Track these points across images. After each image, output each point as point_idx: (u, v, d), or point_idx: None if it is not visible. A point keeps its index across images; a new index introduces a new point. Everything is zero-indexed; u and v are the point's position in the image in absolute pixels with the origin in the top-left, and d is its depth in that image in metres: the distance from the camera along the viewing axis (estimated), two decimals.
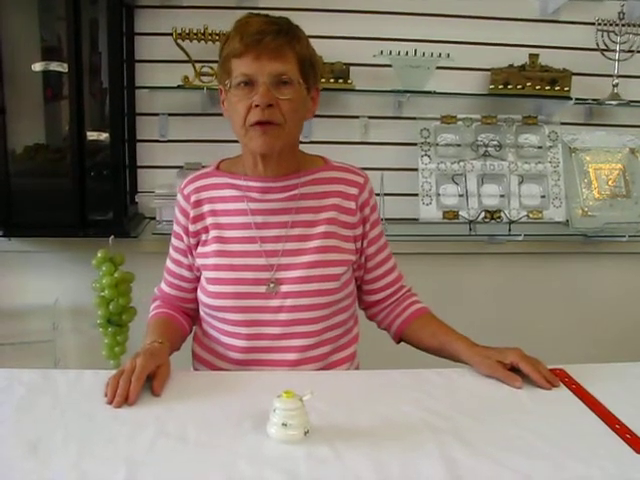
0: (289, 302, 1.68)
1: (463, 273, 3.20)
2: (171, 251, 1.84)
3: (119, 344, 2.70)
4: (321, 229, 1.72)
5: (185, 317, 1.85)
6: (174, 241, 1.82)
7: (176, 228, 1.81)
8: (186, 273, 1.81)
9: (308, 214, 1.72)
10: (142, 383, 1.43)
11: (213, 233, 1.73)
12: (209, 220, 1.74)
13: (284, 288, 1.68)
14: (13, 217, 2.78)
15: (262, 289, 1.68)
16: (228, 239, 1.72)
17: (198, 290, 1.79)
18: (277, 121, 1.60)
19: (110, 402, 1.39)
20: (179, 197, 1.79)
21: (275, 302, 1.68)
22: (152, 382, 1.46)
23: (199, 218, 1.75)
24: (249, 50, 1.57)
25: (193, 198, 1.75)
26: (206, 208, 1.75)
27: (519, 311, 3.20)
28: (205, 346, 1.80)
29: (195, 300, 1.82)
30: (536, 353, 1.61)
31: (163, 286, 1.87)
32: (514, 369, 1.58)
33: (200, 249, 1.76)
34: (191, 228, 1.76)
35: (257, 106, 1.58)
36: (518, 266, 3.21)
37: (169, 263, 1.85)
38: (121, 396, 1.39)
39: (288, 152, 1.70)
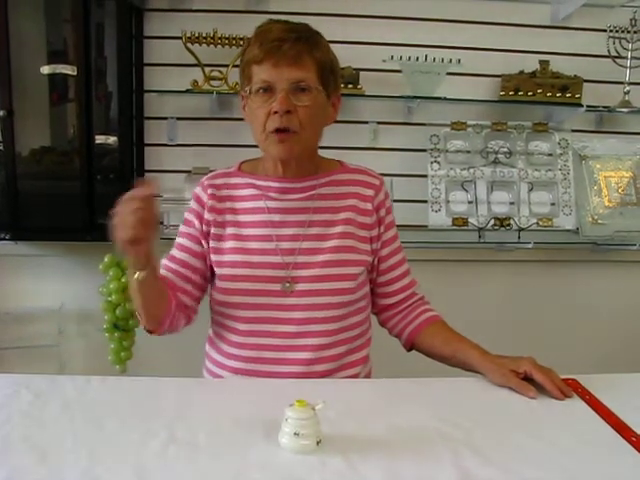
0: (304, 300, 1.69)
1: (472, 280, 3.18)
2: (178, 240, 1.79)
3: (125, 349, 2.67)
4: (339, 229, 1.74)
5: (177, 300, 1.74)
6: (184, 229, 1.79)
7: (188, 216, 1.80)
8: (193, 261, 1.76)
9: (326, 214, 1.74)
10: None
11: (231, 230, 1.74)
12: (228, 217, 1.75)
13: (300, 286, 1.70)
14: (20, 221, 2.77)
15: (277, 287, 1.69)
16: (246, 237, 1.73)
17: (213, 291, 1.78)
18: (294, 128, 1.62)
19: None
20: (198, 189, 1.81)
21: (290, 300, 1.69)
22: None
23: (214, 210, 1.75)
24: (268, 57, 1.60)
25: (210, 190, 1.77)
26: (225, 205, 1.76)
27: (528, 319, 3.18)
28: (217, 347, 1.80)
29: (188, 294, 1.76)
30: (545, 362, 1.60)
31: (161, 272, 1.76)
32: (527, 378, 1.56)
33: (215, 244, 1.75)
34: (206, 216, 1.76)
35: (275, 113, 1.60)
36: (527, 274, 3.20)
37: (174, 251, 1.79)
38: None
39: (307, 157, 1.73)
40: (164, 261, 1.79)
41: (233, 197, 1.77)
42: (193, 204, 1.80)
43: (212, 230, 1.75)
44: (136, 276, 1.53)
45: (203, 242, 1.77)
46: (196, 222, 1.77)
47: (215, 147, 3.02)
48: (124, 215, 1.40)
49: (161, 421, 1.34)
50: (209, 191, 1.77)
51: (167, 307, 1.68)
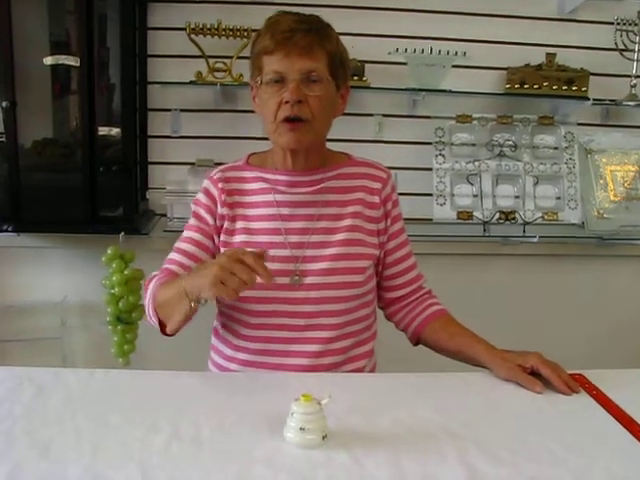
0: (313, 294, 1.69)
1: (477, 274, 3.18)
2: (187, 233, 1.77)
3: (128, 342, 2.67)
4: (347, 222, 1.74)
5: None
6: (194, 222, 1.78)
7: (198, 210, 1.78)
8: (204, 256, 1.74)
9: (334, 207, 1.74)
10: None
11: (240, 224, 1.74)
12: (238, 211, 1.75)
13: (308, 280, 1.69)
14: (22, 213, 2.77)
15: (286, 280, 1.69)
16: (255, 230, 1.73)
17: None
18: (306, 117, 1.62)
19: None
20: (206, 182, 1.79)
21: (299, 294, 1.69)
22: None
23: (226, 204, 1.75)
24: (279, 47, 1.60)
25: (221, 185, 1.76)
26: (235, 199, 1.76)
27: (533, 313, 3.17)
28: (224, 338, 1.79)
29: None
30: (550, 356, 1.59)
31: (168, 266, 1.75)
32: (533, 373, 1.55)
33: (226, 238, 1.74)
34: (219, 210, 1.75)
35: (287, 102, 1.60)
36: (532, 268, 3.20)
37: (182, 245, 1.76)
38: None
39: (316, 148, 1.73)
40: (172, 255, 1.77)
41: (242, 191, 1.76)
42: (203, 198, 1.78)
43: (225, 224, 1.75)
44: (193, 305, 1.49)
45: (215, 237, 1.76)
46: (208, 217, 1.76)
47: (219, 139, 3.01)
48: (238, 267, 1.39)
49: (165, 416, 1.33)
50: (220, 185, 1.76)
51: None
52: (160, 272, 1.74)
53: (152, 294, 1.65)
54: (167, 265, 1.75)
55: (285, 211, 1.73)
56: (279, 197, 1.73)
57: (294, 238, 1.71)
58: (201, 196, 1.79)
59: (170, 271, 1.73)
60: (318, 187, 1.74)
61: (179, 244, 1.78)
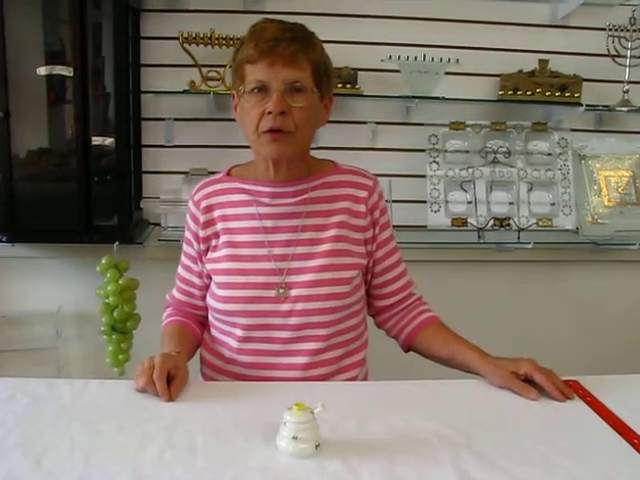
0: (299, 306, 1.67)
1: (471, 281, 3.17)
2: (182, 257, 1.85)
3: (123, 351, 2.67)
4: (331, 233, 1.72)
5: (197, 324, 1.85)
6: (185, 247, 1.84)
7: (187, 234, 1.82)
8: (196, 280, 1.82)
9: (318, 218, 1.72)
10: (164, 381, 1.46)
11: (224, 238, 1.73)
12: (220, 225, 1.74)
13: (294, 292, 1.68)
14: (16, 222, 2.76)
15: (272, 293, 1.68)
16: (238, 243, 1.72)
17: (207, 296, 1.79)
18: (289, 129, 1.60)
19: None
20: (190, 204, 1.80)
21: (285, 306, 1.68)
22: (170, 385, 1.46)
23: (210, 224, 1.75)
24: (263, 56, 1.58)
25: (203, 204, 1.76)
26: (217, 213, 1.75)
27: (528, 320, 3.17)
28: (214, 351, 1.79)
29: (205, 307, 1.82)
30: (545, 362, 1.59)
31: (174, 292, 1.88)
32: (527, 380, 1.55)
33: (210, 254, 1.76)
34: (201, 234, 1.76)
35: (270, 113, 1.58)
36: (527, 274, 3.19)
37: (180, 269, 1.86)
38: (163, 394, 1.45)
39: (298, 158, 1.70)
40: (179, 270, 1.87)
41: (223, 203, 1.76)
42: (190, 222, 1.80)
43: (211, 243, 1.76)
44: None
45: (199, 263, 1.80)
46: (194, 243, 1.79)
47: (213, 148, 3.00)
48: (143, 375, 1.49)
49: (159, 425, 1.33)
50: (202, 205, 1.76)
51: (198, 345, 1.85)
52: (169, 298, 1.90)
53: (161, 333, 1.82)
54: (173, 290, 1.89)
55: (268, 223, 1.71)
56: (262, 209, 1.72)
57: (278, 250, 1.70)
58: (188, 219, 1.81)
59: (174, 299, 1.88)
60: (302, 198, 1.72)
61: (179, 268, 1.87)
